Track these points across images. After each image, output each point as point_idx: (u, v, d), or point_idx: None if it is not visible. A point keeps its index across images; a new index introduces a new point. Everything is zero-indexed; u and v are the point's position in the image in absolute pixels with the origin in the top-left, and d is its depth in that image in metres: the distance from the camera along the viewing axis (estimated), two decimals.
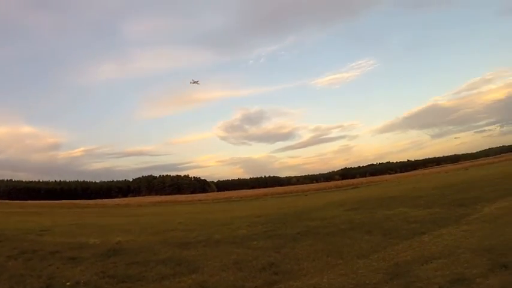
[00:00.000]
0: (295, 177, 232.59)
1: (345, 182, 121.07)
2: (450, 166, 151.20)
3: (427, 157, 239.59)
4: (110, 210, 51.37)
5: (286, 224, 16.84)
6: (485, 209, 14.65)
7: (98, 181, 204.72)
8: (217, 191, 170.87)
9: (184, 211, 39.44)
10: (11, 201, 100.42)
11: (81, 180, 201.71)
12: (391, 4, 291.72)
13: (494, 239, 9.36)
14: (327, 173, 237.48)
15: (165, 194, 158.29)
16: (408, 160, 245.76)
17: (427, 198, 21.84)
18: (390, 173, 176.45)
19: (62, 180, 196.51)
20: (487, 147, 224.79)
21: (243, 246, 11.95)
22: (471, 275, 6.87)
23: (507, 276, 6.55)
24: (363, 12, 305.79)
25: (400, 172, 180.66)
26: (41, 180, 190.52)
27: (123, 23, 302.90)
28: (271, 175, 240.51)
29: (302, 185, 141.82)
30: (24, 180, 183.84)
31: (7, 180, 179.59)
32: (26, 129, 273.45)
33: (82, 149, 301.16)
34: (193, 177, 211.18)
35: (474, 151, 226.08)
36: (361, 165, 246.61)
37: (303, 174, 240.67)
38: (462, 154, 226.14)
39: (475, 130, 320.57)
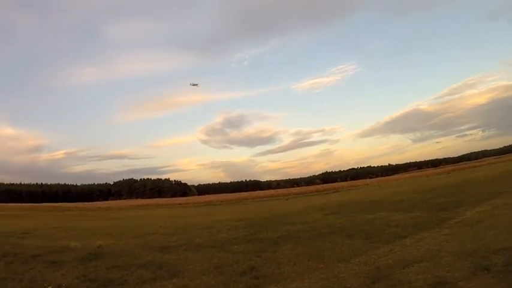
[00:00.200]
0: (276, 181, 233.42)
1: (325, 186, 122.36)
2: (431, 170, 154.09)
3: (408, 161, 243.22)
4: (91, 214, 50.74)
5: (267, 228, 16.95)
6: (467, 213, 14.85)
7: (79, 184, 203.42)
8: (198, 195, 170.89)
9: (165, 215, 39.42)
10: None
11: (63, 183, 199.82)
12: (374, 10, 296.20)
13: (476, 242, 9.46)
14: (308, 177, 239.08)
15: (146, 198, 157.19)
16: (389, 164, 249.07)
17: (408, 202, 22.16)
18: (371, 177, 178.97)
19: (43, 182, 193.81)
20: (469, 152, 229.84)
21: (223, 250, 12.00)
22: (453, 279, 6.90)
23: (489, 280, 6.59)
24: (345, 17, 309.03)
25: (381, 176, 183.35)
26: (22, 183, 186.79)
27: (106, 26, 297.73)
28: (252, 179, 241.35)
29: (283, 189, 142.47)
30: (5, 183, 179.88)
31: None
32: (8, 131, 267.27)
33: (64, 151, 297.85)
34: (174, 180, 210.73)
35: (456, 155, 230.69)
36: (342, 170, 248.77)
37: (284, 178, 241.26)
38: (444, 158, 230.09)
39: (457, 135, 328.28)
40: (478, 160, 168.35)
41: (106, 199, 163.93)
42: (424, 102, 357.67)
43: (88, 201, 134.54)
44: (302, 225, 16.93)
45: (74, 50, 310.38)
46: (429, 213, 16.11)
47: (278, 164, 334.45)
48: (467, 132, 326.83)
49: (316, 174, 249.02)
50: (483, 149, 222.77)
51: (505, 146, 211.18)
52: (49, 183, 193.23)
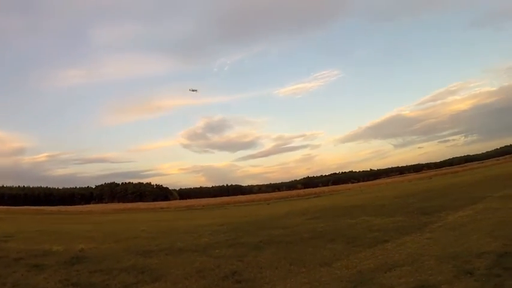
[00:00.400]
0: (257, 185, 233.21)
1: (307, 190, 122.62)
2: (413, 175, 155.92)
3: (390, 166, 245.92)
4: (73, 217, 50.31)
5: (249, 232, 17.03)
6: (449, 217, 15.08)
7: (61, 187, 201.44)
8: (180, 199, 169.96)
9: (146, 219, 39.52)
10: None
11: (45, 186, 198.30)
12: (357, 16, 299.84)
13: (459, 246, 9.58)
14: (289, 182, 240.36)
15: (128, 202, 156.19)
16: (371, 169, 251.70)
17: (390, 207, 22.36)
18: (353, 182, 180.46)
19: (26, 185, 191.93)
20: (451, 157, 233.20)
21: (205, 255, 12.06)
22: (436, 282, 6.94)
23: (472, 283, 6.65)
24: (328, 23, 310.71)
25: (363, 181, 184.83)
26: (5, 186, 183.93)
27: (89, 29, 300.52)
28: (234, 183, 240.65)
29: (264, 194, 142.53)
30: None
31: None
32: None
33: (46, 154, 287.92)
34: (156, 184, 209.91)
35: (438, 161, 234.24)
36: (323, 174, 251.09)
37: (265, 183, 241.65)
38: (426, 163, 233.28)
39: (439, 140, 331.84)
40: (461, 165, 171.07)
41: (88, 203, 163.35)
42: (406, 108, 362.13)
43: (70, 205, 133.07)
44: (284, 229, 17.00)
45: (56, 52, 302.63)
46: (411, 218, 16.29)
47: (259, 169, 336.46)
48: (450, 138, 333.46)
49: (298, 179, 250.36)
50: (465, 155, 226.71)
51: (487, 151, 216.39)
52: (31, 186, 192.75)
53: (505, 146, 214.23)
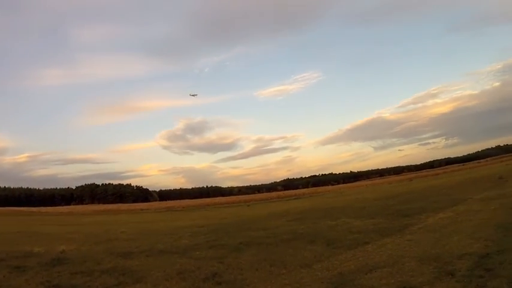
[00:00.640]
0: (237, 187, 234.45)
1: (287, 192, 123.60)
2: (394, 177, 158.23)
3: (370, 169, 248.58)
4: (53, 218, 50.03)
5: (229, 234, 17.10)
6: (430, 219, 15.24)
7: (41, 188, 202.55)
8: (160, 201, 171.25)
9: (126, 220, 39.50)
10: None
11: (25, 186, 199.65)
12: (338, 19, 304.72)
13: (440, 248, 9.66)
14: (269, 184, 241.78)
15: (108, 203, 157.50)
16: (351, 172, 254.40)
17: (370, 209, 22.55)
18: (333, 184, 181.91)
19: (6, 186, 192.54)
20: (432, 160, 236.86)
21: (185, 256, 12.09)
22: (417, 283, 6.97)
23: (454, 284, 6.70)
24: (309, 25, 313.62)
25: (343, 183, 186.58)
26: None
27: (70, 28, 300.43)
28: (214, 185, 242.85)
29: (244, 195, 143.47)
30: None
31: None
32: None
33: (27, 154, 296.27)
34: (136, 186, 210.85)
35: (418, 163, 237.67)
36: (303, 176, 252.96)
37: (245, 185, 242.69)
38: (406, 166, 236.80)
39: (419, 143, 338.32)
40: (441, 168, 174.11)
41: (68, 204, 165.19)
42: (387, 111, 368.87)
43: (50, 206, 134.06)
44: (264, 231, 17.05)
45: (37, 52, 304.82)
46: (391, 220, 16.45)
47: (240, 171, 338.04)
48: (430, 141, 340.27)
49: (278, 180, 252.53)
50: (446, 157, 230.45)
51: (468, 154, 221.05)
52: (12, 186, 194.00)
53: (486, 148, 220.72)
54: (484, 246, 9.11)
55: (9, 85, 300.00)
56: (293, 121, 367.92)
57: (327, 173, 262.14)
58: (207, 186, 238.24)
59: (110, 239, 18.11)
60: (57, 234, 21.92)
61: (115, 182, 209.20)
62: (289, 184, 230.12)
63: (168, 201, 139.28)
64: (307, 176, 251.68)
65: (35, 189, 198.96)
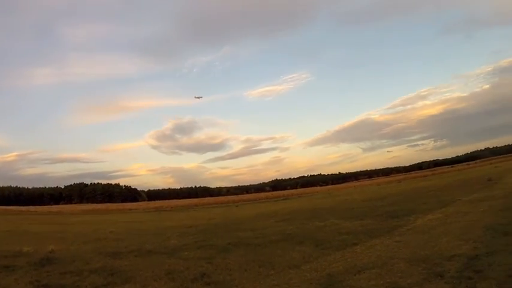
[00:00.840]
0: (225, 187, 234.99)
1: (275, 193, 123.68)
2: (382, 179, 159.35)
3: (359, 170, 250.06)
4: (42, 218, 49.63)
5: (217, 234, 17.17)
6: (419, 221, 15.33)
7: (30, 187, 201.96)
8: (148, 200, 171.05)
9: (115, 220, 39.44)
10: None
11: (14, 185, 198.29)
12: (328, 20, 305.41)
13: (429, 249, 9.71)
14: (258, 184, 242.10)
15: (97, 202, 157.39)
16: (340, 173, 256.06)
17: (358, 210, 22.64)
18: (321, 185, 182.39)
19: None
20: (420, 161, 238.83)
21: (174, 257, 12.13)
22: (406, 285, 6.98)
23: (443, 285, 6.71)
24: (299, 26, 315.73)
25: (332, 184, 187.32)
26: None
27: (60, 28, 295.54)
28: (202, 185, 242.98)
29: (233, 196, 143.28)
30: None
31: None
32: None
33: (15, 153, 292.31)
34: (124, 185, 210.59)
35: (407, 164, 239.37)
36: (292, 177, 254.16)
37: (234, 185, 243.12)
38: (395, 167, 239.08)
39: (408, 144, 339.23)
40: (430, 169, 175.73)
41: (57, 203, 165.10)
42: (376, 112, 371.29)
43: (39, 205, 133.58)
44: (252, 232, 17.11)
45: (26, 51, 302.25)
46: (380, 221, 16.53)
47: (228, 171, 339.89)
48: (419, 142, 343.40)
49: (266, 181, 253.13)
50: (435, 159, 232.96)
51: (457, 156, 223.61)
52: (1, 185, 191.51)
53: (475, 150, 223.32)
54: (473, 248, 9.17)
55: None
56: (282, 122, 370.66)
57: (315, 174, 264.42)
58: (195, 187, 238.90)
59: (98, 238, 18.22)
60: (46, 233, 22.04)
61: (104, 182, 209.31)
62: (277, 185, 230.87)
63: (156, 201, 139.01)
64: (295, 177, 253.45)
65: (24, 188, 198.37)
